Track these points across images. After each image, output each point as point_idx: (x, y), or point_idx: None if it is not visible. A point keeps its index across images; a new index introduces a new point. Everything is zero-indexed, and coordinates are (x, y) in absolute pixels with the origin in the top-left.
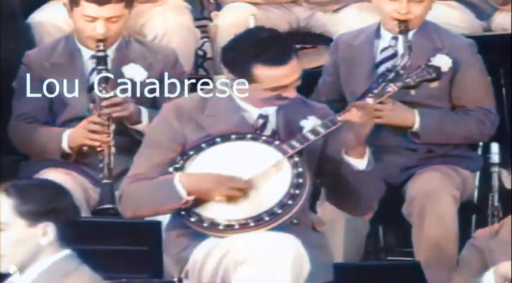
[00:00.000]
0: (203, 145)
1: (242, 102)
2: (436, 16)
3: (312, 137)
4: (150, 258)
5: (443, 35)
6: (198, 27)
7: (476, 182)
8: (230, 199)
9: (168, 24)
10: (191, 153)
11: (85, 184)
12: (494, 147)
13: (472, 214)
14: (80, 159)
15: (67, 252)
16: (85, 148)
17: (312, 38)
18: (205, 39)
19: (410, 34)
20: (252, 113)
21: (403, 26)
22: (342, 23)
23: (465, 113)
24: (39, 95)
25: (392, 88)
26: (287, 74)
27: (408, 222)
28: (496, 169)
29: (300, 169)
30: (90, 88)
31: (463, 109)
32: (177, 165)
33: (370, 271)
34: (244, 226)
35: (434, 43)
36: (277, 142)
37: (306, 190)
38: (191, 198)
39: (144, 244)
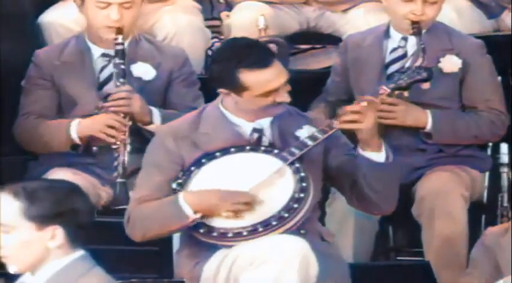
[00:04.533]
0: (203, 160)
1: (234, 117)
2: (446, 15)
3: (310, 143)
4: (160, 258)
5: (453, 36)
6: (208, 27)
7: (486, 182)
8: (236, 214)
9: (179, 25)
10: (192, 168)
11: (94, 184)
12: (504, 148)
13: (481, 214)
14: (89, 157)
15: (81, 253)
16: (94, 148)
17: (321, 38)
18: (216, 40)
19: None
20: (246, 127)
21: (416, 27)
22: (351, 23)
23: (476, 114)
24: (48, 95)
25: (384, 90)
26: (272, 76)
27: (418, 222)
28: (505, 169)
29: (303, 174)
30: (101, 85)
31: (474, 110)
32: (179, 181)
33: (379, 271)
34: (252, 232)
35: (444, 44)
36: (276, 151)
37: (310, 193)
38: (198, 216)
39: (154, 244)
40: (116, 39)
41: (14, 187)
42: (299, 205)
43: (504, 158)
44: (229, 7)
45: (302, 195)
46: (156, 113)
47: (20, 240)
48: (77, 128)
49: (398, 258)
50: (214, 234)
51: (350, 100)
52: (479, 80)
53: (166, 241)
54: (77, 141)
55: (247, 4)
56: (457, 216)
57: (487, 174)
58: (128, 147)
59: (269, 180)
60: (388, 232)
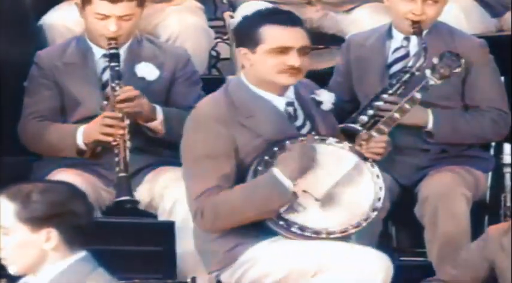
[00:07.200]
0: (287, 142)
1: (266, 93)
2: (453, 14)
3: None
4: (163, 259)
5: (455, 36)
6: (211, 27)
7: (489, 183)
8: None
9: (183, 25)
10: (275, 149)
11: (96, 185)
12: (507, 148)
13: (484, 214)
14: (93, 158)
15: (82, 254)
16: (98, 148)
17: (324, 38)
18: (219, 40)
19: (423, 35)
20: (280, 102)
21: (417, 27)
22: (355, 23)
23: (479, 113)
24: (51, 95)
25: (434, 81)
26: (290, 35)
27: (421, 222)
28: (508, 169)
29: (381, 181)
30: (103, 86)
31: (476, 109)
32: (267, 158)
33: None
34: (330, 235)
35: (447, 43)
36: (348, 145)
37: (384, 202)
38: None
39: (157, 244)
40: (109, 43)
41: (11, 189)
42: (377, 214)
43: (507, 158)
44: (233, 7)
45: (380, 205)
46: (159, 110)
47: (16, 242)
48: (82, 135)
49: (402, 258)
50: (293, 229)
51: (353, 100)
52: (481, 79)
53: (170, 241)
54: (83, 147)
55: (251, 4)
56: (460, 217)
57: (490, 174)
58: (128, 143)
59: (348, 177)
60: (391, 233)
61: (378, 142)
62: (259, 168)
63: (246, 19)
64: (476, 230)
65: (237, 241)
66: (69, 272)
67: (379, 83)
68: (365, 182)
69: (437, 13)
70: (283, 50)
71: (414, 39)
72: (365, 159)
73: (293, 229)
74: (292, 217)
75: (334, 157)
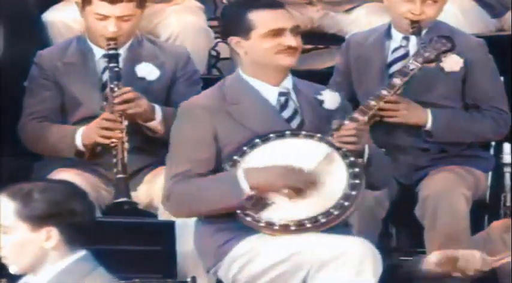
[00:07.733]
0: (257, 140)
1: (258, 82)
2: (452, 14)
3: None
4: (163, 258)
5: (455, 35)
6: (210, 27)
7: (489, 182)
8: (294, 193)
9: (182, 25)
10: (245, 148)
11: (97, 184)
12: (507, 148)
13: (484, 214)
14: (93, 158)
15: (82, 253)
16: (98, 148)
17: (324, 38)
18: (219, 40)
19: (422, 34)
20: (272, 92)
21: (416, 26)
22: (355, 23)
23: (478, 112)
24: (51, 95)
25: (415, 65)
26: (279, 16)
27: (421, 222)
28: (508, 169)
29: (357, 170)
30: (103, 86)
31: (476, 108)
32: (236, 157)
33: (382, 272)
34: (300, 227)
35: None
36: (319, 135)
37: (361, 191)
38: (253, 193)
39: (158, 244)
40: (108, 44)
41: (12, 188)
42: (350, 203)
43: (507, 158)
44: None
45: (354, 192)
46: (158, 109)
47: (16, 240)
48: (81, 137)
49: (401, 258)
50: (261, 224)
51: (352, 100)
52: (481, 78)
53: (170, 241)
54: (82, 149)
55: None
56: (459, 216)
57: (490, 173)
58: (126, 145)
59: (320, 167)
60: (391, 233)
61: (348, 130)
62: (227, 167)
63: (228, 8)
64: (476, 230)
65: (228, 236)
66: (69, 271)
67: (378, 82)
68: (336, 172)
69: (437, 13)
70: (278, 32)
71: (413, 39)
72: (338, 149)
73: (261, 224)
74: (258, 212)
75: (305, 150)
